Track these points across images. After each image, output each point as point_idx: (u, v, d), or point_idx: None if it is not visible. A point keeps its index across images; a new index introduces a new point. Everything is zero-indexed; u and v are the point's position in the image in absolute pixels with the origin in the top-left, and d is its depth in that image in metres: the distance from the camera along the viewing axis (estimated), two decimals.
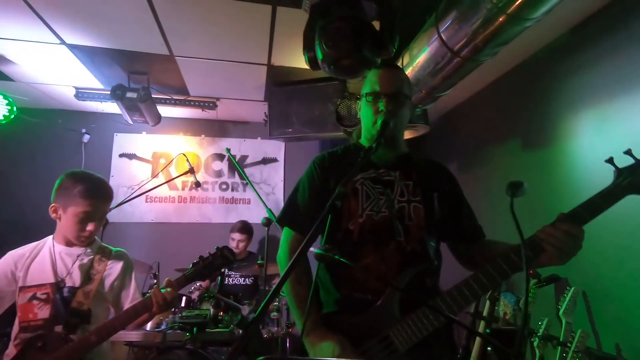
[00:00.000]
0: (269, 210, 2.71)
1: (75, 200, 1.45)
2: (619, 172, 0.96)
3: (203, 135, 4.21)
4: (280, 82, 3.18)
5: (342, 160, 1.28)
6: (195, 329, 2.04)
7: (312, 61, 1.79)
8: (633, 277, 1.81)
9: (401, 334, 1.03)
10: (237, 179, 4.22)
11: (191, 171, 2.86)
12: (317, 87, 3.10)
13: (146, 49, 2.72)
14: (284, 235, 1.27)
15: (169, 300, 1.40)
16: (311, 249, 0.80)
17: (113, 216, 1.60)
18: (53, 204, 1.49)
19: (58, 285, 1.47)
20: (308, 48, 1.76)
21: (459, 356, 2.03)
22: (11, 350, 1.42)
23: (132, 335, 2.11)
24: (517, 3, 1.42)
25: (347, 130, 2.85)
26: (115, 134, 4.02)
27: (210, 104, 3.64)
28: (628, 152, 0.96)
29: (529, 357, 2.33)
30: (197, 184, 3.04)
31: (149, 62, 2.90)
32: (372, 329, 1.06)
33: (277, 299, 2.63)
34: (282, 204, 4.12)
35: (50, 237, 1.56)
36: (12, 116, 2.90)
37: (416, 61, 2.05)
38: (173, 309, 2.30)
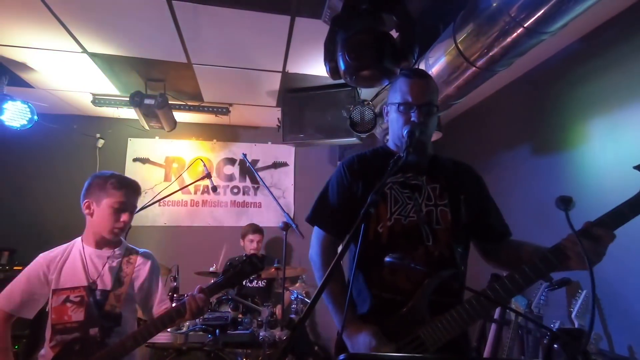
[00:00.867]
0: (287, 215, 2.76)
1: (109, 192, 1.51)
2: None
3: (215, 140, 4.27)
4: (293, 88, 3.24)
5: (371, 163, 1.32)
6: (217, 330, 2.09)
7: (333, 71, 1.85)
8: None
9: (431, 334, 1.08)
10: (248, 182, 4.28)
11: (208, 176, 2.92)
12: (329, 94, 3.16)
13: (165, 57, 2.79)
14: (315, 234, 1.33)
15: (202, 307, 1.45)
16: (387, 258, 0.85)
17: None
18: (86, 200, 1.54)
19: (90, 288, 1.49)
20: (329, 59, 1.82)
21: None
22: (47, 352, 1.44)
23: (156, 336, 2.15)
24: (535, 18, 1.47)
25: (361, 136, 2.91)
26: (129, 138, 4.08)
27: (224, 110, 3.71)
28: None
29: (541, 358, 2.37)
30: (214, 189, 3.10)
31: (166, 69, 2.97)
32: (403, 329, 1.10)
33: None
34: (292, 208, 4.21)
35: (79, 239, 1.59)
36: (33, 123, 2.96)
37: (432, 70, 2.11)
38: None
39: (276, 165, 4.35)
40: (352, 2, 1.77)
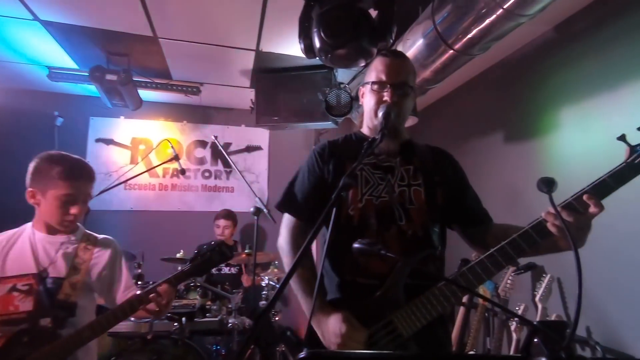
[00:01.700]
0: (259, 199, 2.68)
1: (55, 183, 1.36)
2: (632, 150, 0.91)
3: (185, 121, 4.08)
4: (267, 68, 3.12)
5: (343, 149, 1.28)
6: (184, 319, 2.01)
7: (308, 49, 1.77)
8: (603, 265, 1.92)
9: (405, 319, 1.04)
10: (220, 166, 4.14)
11: (175, 158, 2.78)
12: (304, 75, 3.06)
13: (128, 29, 2.59)
14: (285, 221, 1.28)
15: (170, 300, 1.38)
16: (355, 244, 0.80)
17: (90, 204, 1.52)
18: (30, 189, 1.39)
19: (41, 275, 1.38)
20: (304, 35, 1.73)
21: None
22: None
23: (118, 325, 2.05)
24: None
25: (337, 120, 2.84)
26: (91, 117, 3.83)
27: (194, 89, 3.52)
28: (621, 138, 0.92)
29: (506, 340, 2.46)
30: (182, 172, 2.96)
31: (130, 43, 2.76)
32: (376, 314, 1.07)
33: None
34: (266, 193, 4.13)
35: (29, 224, 1.46)
36: None
37: (409, 52, 2.06)
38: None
39: (250, 149, 4.22)
40: None
